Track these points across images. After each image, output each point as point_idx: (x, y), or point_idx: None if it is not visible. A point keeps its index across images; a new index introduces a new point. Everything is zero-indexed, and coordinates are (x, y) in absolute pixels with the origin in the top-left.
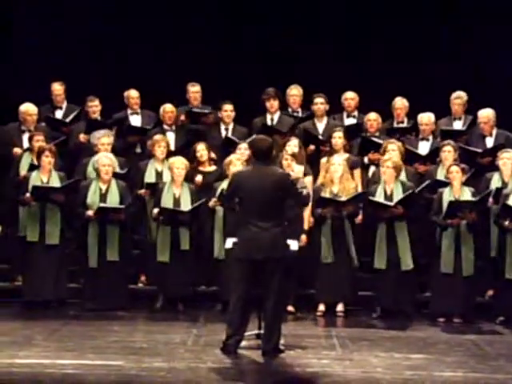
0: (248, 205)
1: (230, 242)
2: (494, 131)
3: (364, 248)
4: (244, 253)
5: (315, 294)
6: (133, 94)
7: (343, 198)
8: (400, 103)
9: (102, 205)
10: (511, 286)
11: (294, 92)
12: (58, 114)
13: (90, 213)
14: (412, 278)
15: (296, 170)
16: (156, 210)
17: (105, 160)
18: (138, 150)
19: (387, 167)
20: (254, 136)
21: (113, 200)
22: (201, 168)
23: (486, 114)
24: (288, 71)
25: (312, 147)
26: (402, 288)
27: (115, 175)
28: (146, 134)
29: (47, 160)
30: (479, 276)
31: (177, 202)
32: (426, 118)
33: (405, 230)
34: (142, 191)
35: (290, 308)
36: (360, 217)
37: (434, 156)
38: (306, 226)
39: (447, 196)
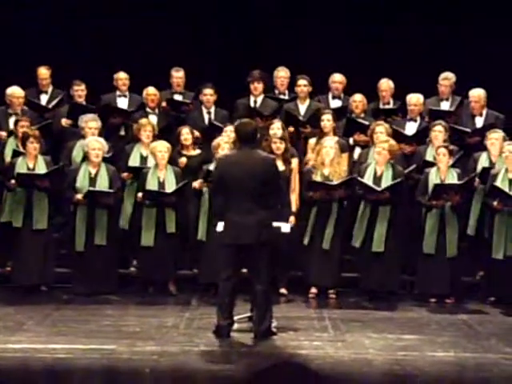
0: (234, 189)
1: (221, 226)
2: (484, 111)
3: (350, 231)
4: (230, 237)
5: (304, 277)
6: (121, 76)
7: (334, 182)
8: (386, 85)
9: (92, 188)
10: (500, 266)
11: (282, 74)
12: (43, 99)
13: (79, 196)
14: (393, 259)
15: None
16: (140, 194)
17: (95, 144)
18: (122, 133)
19: (383, 149)
20: (238, 120)
21: (102, 184)
22: (185, 152)
23: (477, 94)
24: (274, 53)
25: (291, 129)
26: (382, 268)
27: (103, 159)
28: (129, 117)
29: (32, 146)
30: (463, 256)
31: (162, 185)
32: (415, 99)
33: (387, 215)
34: (125, 174)
35: (283, 290)
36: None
37: (420, 137)
38: (293, 208)
39: (433, 177)
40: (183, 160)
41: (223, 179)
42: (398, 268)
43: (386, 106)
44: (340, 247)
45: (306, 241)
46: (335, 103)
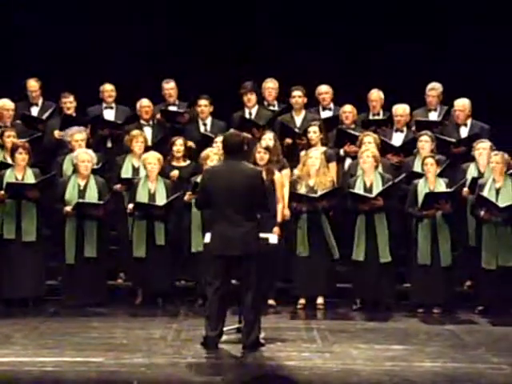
0: (220, 200)
1: (208, 237)
2: (469, 121)
3: (341, 241)
4: (218, 249)
5: (293, 288)
6: (107, 87)
7: (318, 193)
8: (376, 95)
9: (81, 200)
10: (489, 275)
11: (270, 85)
12: (34, 111)
13: (68, 208)
14: (391, 270)
15: (276, 175)
16: (131, 206)
17: (84, 156)
18: (109, 145)
19: (367, 157)
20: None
21: (91, 196)
22: (175, 163)
23: (462, 103)
24: (263, 65)
25: (289, 140)
26: (382, 279)
27: (92, 171)
28: (117, 128)
29: (21, 157)
30: (457, 266)
31: (152, 197)
32: (401, 110)
33: (384, 221)
34: (118, 186)
35: (271, 301)
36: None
37: (407, 147)
38: (278, 219)
39: (422, 188)
40: (175, 173)
41: (208, 191)
42: (393, 277)
43: (376, 117)
44: (326, 256)
45: (303, 252)
46: (326, 114)
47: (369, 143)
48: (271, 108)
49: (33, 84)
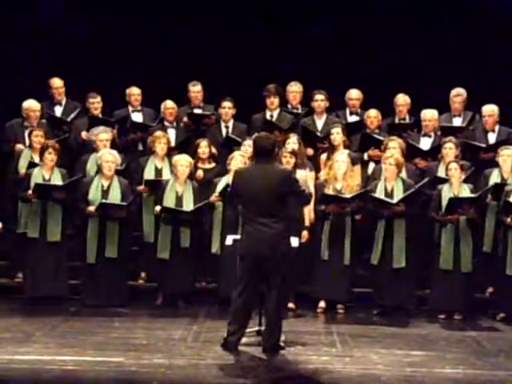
0: (251, 202)
1: (230, 239)
2: (497, 127)
3: (364, 245)
4: (247, 250)
5: (314, 291)
6: (134, 91)
7: (347, 195)
8: (402, 100)
9: (104, 201)
10: (511, 282)
11: (295, 88)
12: (58, 110)
13: (92, 208)
14: (410, 275)
15: (299, 174)
16: (158, 208)
17: (108, 156)
18: (140, 148)
19: (389, 164)
20: (256, 133)
21: (114, 196)
22: (200, 165)
23: (491, 108)
24: (288, 67)
25: (310, 151)
26: (401, 284)
27: (115, 172)
28: (147, 131)
29: (50, 157)
30: (478, 272)
31: (179, 200)
32: (430, 114)
33: (403, 227)
34: (141, 188)
35: (291, 305)
36: (359, 216)
37: (435, 152)
38: (307, 223)
39: (446, 193)
40: (200, 173)
41: (239, 193)
42: (414, 283)
43: (402, 122)
44: (354, 262)
45: (325, 256)
46: (353, 119)
47: (393, 148)
48: (294, 111)
49: (57, 82)
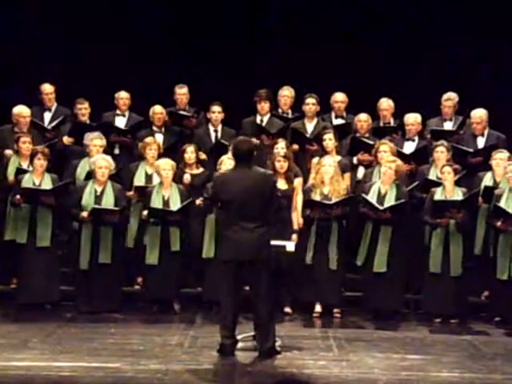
0: (232, 206)
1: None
2: (486, 131)
3: (353, 249)
4: (229, 255)
5: (303, 295)
6: (122, 95)
7: (332, 201)
8: (386, 104)
9: (97, 206)
10: (505, 286)
11: (286, 93)
12: (47, 116)
13: (85, 214)
14: (395, 279)
15: (297, 182)
16: (145, 212)
17: (102, 162)
18: (116, 151)
19: (389, 168)
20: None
21: (108, 202)
22: (187, 170)
23: (479, 115)
24: (278, 71)
25: (296, 146)
26: (385, 288)
27: (110, 177)
28: (124, 135)
29: (39, 163)
30: (469, 276)
31: (166, 203)
32: (413, 119)
33: (388, 234)
34: (131, 193)
35: (287, 309)
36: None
37: (419, 156)
38: (295, 226)
39: (439, 196)
40: (187, 177)
41: (219, 197)
42: (402, 287)
43: (386, 125)
44: (342, 266)
45: (308, 259)
46: (338, 122)
47: (384, 152)
48: (285, 116)
49: (47, 87)
